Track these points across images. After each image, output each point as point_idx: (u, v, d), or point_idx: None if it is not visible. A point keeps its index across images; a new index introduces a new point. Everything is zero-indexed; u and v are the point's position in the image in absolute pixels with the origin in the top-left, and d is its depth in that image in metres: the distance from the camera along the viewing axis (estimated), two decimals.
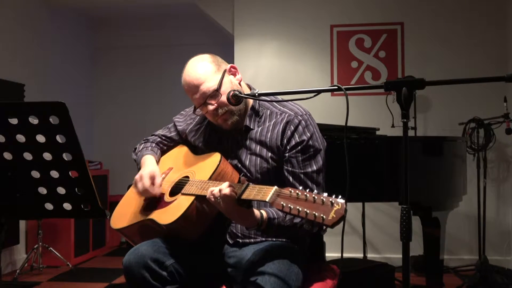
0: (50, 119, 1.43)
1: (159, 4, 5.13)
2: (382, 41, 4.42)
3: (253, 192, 1.40)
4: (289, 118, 1.70)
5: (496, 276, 3.49)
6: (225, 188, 1.44)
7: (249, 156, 1.73)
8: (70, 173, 1.51)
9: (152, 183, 1.74)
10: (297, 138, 1.67)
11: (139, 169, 1.91)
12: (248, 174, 1.72)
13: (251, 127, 1.75)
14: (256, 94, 1.63)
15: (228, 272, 1.68)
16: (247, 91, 1.81)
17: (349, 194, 1.34)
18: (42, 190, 1.54)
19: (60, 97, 3.17)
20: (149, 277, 1.53)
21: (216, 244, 1.73)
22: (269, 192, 1.35)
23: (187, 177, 1.75)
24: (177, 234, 1.62)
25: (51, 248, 4.12)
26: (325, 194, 1.25)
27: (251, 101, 1.77)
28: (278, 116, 1.73)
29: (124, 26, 5.78)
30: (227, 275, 1.68)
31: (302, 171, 1.66)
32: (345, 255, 3.66)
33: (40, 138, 1.46)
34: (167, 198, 1.74)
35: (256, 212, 1.51)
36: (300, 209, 1.24)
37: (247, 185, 1.43)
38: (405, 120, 1.38)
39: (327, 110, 3.86)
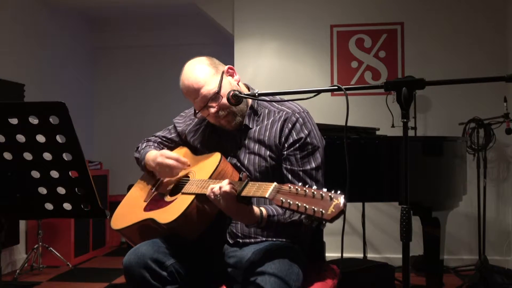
0: (50, 119, 1.43)
1: (159, 4, 5.13)
2: (382, 41, 4.42)
3: (253, 188, 1.40)
4: (286, 116, 1.71)
5: (496, 276, 3.49)
6: (225, 185, 1.44)
7: (247, 155, 1.73)
8: (70, 173, 1.51)
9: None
10: (295, 135, 1.68)
11: (142, 166, 1.91)
12: (247, 173, 1.72)
13: (250, 126, 1.76)
14: (256, 94, 1.63)
15: (228, 272, 1.68)
16: (245, 91, 1.81)
17: (349, 194, 1.34)
18: (42, 190, 1.54)
19: (60, 97, 3.18)
20: (149, 277, 1.53)
21: (216, 244, 1.73)
22: (268, 188, 1.35)
23: (188, 176, 1.76)
24: (177, 233, 1.62)
25: (51, 248, 4.12)
26: (324, 189, 1.26)
27: (249, 101, 1.78)
28: (276, 115, 1.74)
29: (124, 26, 5.78)
30: (227, 275, 1.68)
31: (301, 168, 1.66)
32: (345, 255, 3.66)
33: (40, 138, 1.46)
34: (167, 197, 1.74)
35: (256, 209, 1.51)
36: (299, 204, 1.25)
37: (247, 182, 1.44)
38: (405, 120, 1.38)
39: (327, 110, 3.87)
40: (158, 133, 2.04)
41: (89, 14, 5.62)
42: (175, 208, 1.62)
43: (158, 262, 1.55)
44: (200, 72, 1.71)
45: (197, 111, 1.76)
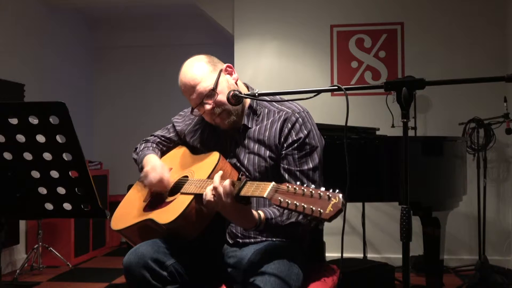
0: (50, 119, 1.43)
1: (159, 4, 5.13)
2: (382, 41, 4.42)
3: (251, 188, 1.40)
4: (286, 115, 1.71)
5: (496, 276, 3.49)
6: (224, 183, 1.44)
7: (247, 155, 1.73)
8: (70, 173, 1.51)
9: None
10: (294, 135, 1.67)
11: (140, 168, 1.91)
12: (247, 173, 1.72)
13: (249, 126, 1.75)
14: (256, 94, 1.63)
15: (228, 272, 1.68)
16: (244, 90, 1.81)
17: (349, 194, 1.34)
18: (42, 190, 1.54)
19: (60, 97, 3.18)
20: (149, 277, 1.53)
21: (216, 244, 1.73)
22: (266, 188, 1.35)
23: (186, 176, 1.76)
24: (177, 234, 1.62)
25: (51, 248, 4.12)
26: (323, 189, 1.25)
27: (248, 100, 1.78)
28: (276, 114, 1.73)
29: (124, 26, 5.78)
30: (227, 275, 1.68)
31: (298, 168, 1.66)
32: (345, 255, 3.66)
33: (40, 138, 1.46)
34: (166, 198, 1.74)
35: (254, 212, 1.51)
36: (297, 203, 1.25)
37: (245, 182, 1.43)
38: (405, 120, 1.38)
39: (327, 110, 3.87)
40: (157, 132, 2.04)
41: (89, 14, 5.62)
42: (174, 209, 1.62)
43: (158, 262, 1.55)
44: (198, 70, 1.72)
45: (193, 108, 1.76)
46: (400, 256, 1.38)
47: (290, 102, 1.76)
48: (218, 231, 1.72)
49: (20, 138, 1.48)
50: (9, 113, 1.46)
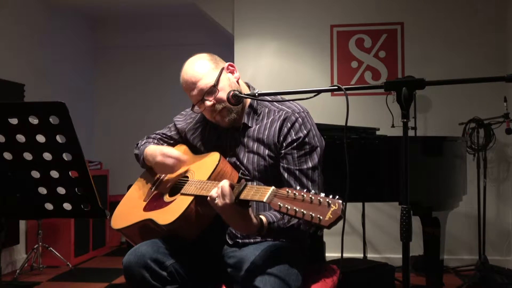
0: (50, 119, 1.43)
1: (159, 4, 5.13)
2: (382, 41, 4.42)
3: (251, 192, 1.40)
4: (286, 115, 1.71)
5: (496, 276, 3.49)
6: (223, 184, 1.44)
7: (247, 154, 1.73)
8: (70, 173, 1.51)
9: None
10: (293, 135, 1.68)
11: (141, 162, 1.92)
12: (246, 172, 1.72)
13: (249, 125, 1.76)
14: (256, 94, 1.63)
15: (228, 272, 1.68)
16: (245, 89, 1.82)
17: (349, 194, 1.34)
18: (42, 190, 1.54)
19: (60, 97, 3.18)
20: (149, 277, 1.53)
21: (215, 244, 1.73)
22: (266, 192, 1.34)
23: (187, 177, 1.75)
24: (177, 234, 1.62)
25: (51, 248, 4.12)
26: (322, 195, 1.25)
27: (248, 99, 1.78)
28: (276, 114, 1.74)
29: (124, 26, 5.78)
30: (227, 275, 1.68)
31: (298, 167, 1.66)
32: (345, 255, 3.65)
33: (40, 138, 1.46)
34: (166, 198, 1.74)
35: (254, 218, 1.49)
36: (297, 209, 1.24)
37: (245, 185, 1.43)
38: (405, 120, 1.38)
39: (327, 110, 3.87)
40: (158, 131, 2.06)
41: (89, 14, 5.62)
42: (174, 209, 1.62)
43: (158, 262, 1.55)
44: (199, 67, 1.73)
45: (194, 105, 1.77)
46: (400, 256, 1.38)
47: (290, 102, 1.76)
48: (218, 231, 1.72)
49: (20, 138, 1.48)
50: (9, 113, 1.46)
